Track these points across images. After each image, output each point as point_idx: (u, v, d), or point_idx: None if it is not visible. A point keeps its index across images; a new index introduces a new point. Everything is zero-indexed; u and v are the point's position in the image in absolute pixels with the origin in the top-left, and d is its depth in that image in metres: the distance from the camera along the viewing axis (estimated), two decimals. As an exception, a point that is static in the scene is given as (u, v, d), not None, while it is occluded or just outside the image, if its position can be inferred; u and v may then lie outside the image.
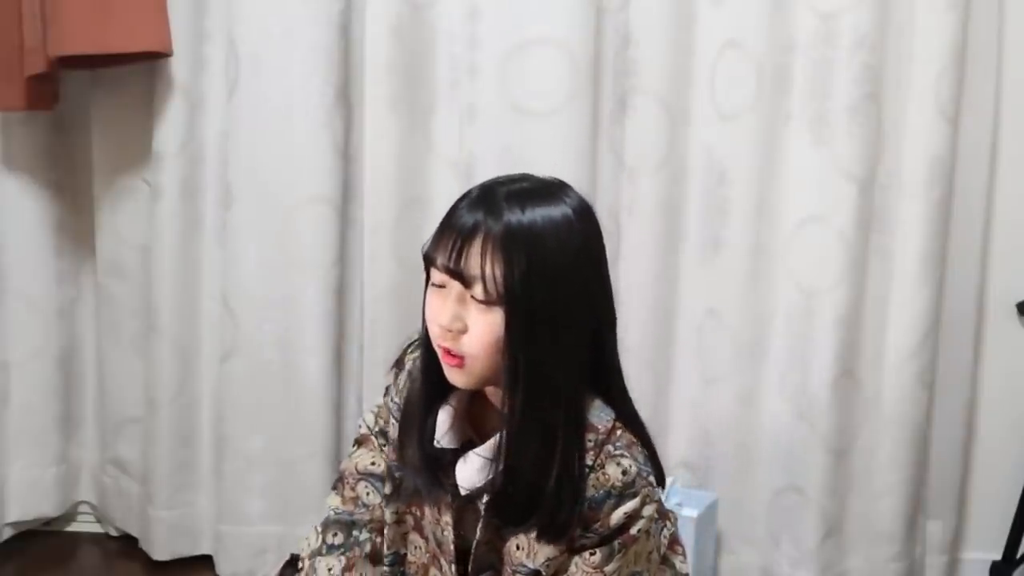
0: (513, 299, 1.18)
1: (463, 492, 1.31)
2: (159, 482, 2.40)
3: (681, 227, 2.30)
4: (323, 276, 2.28)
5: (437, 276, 1.24)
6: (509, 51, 2.22)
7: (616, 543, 1.28)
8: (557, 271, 1.20)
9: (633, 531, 1.28)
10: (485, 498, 1.30)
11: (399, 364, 1.44)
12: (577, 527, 1.26)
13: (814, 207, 2.21)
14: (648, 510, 1.28)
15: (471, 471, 1.30)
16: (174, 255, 2.33)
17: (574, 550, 1.28)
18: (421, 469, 1.34)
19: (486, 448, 1.29)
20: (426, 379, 1.32)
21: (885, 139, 2.19)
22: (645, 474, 1.28)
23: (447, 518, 1.37)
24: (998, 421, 2.39)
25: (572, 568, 1.28)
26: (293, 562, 1.76)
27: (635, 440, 1.30)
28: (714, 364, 2.32)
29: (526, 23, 2.20)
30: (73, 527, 2.62)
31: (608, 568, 1.28)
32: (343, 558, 1.45)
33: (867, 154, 2.18)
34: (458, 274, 1.20)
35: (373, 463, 1.50)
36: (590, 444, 1.26)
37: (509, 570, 1.32)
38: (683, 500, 2.24)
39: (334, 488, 1.54)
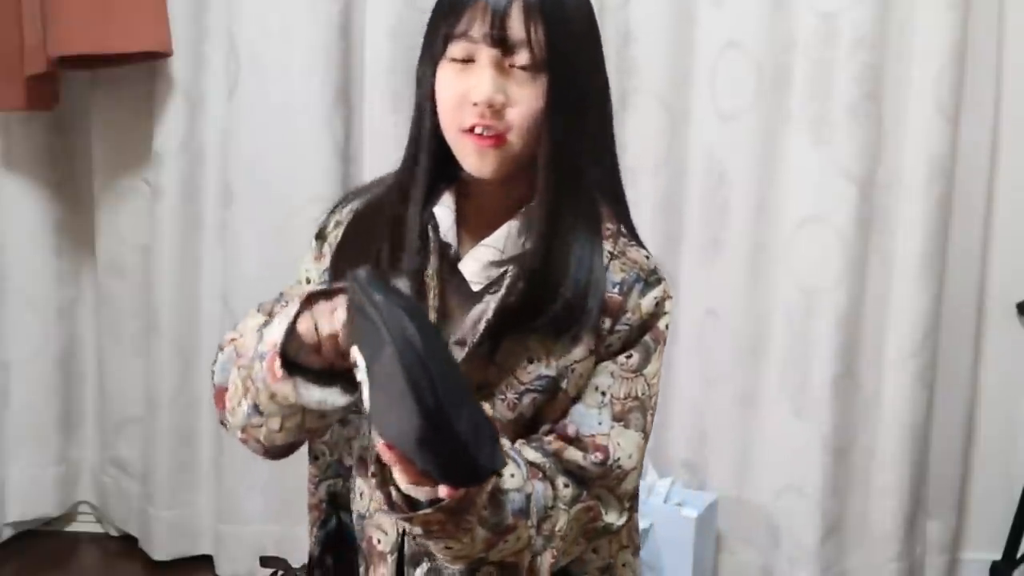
0: (557, 63, 1.11)
1: (475, 287, 1.15)
2: (159, 482, 2.40)
3: (681, 227, 2.30)
4: (323, 276, 2.28)
5: (462, 50, 1.11)
6: (509, 51, 2.22)
7: (649, 340, 1.18)
8: (585, 39, 1.15)
9: (661, 326, 1.19)
10: (495, 298, 1.14)
11: (321, 236, 1.26)
12: (607, 318, 1.16)
13: (814, 207, 2.21)
14: (669, 305, 1.20)
15: (479, 266, 1.16)
16: (174, 255, 2.33)
17: (603, 356, 1.17)
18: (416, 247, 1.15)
19: (496, 238, 1.16)
20: (423, 177, 1.16)
21: (885, 138, 2.19)
22: (660, 266, 1.22)
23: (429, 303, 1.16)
24: (998, 421, 2.39)
25: (607, 379, 1.16)
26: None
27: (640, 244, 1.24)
28: (714, 364, 2.32)
29: (526, 23, 2.20)
30: (73, 527, 2.62)
31: (648, 370, 1.18)
32: None
33: (867, 154, 2.18)
34: (502, 40, 1.10)
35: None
36: (607, 233, 1.20)
37: (512, 396, 1.15)
38: (683, 500, 2.24)
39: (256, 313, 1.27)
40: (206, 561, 2.44)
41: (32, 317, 2.45)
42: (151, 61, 2.26)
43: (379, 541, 1.21)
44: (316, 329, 1.04)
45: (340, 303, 1.03)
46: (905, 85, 2.18)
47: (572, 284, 1.14)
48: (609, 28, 2.23)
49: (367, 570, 1.24)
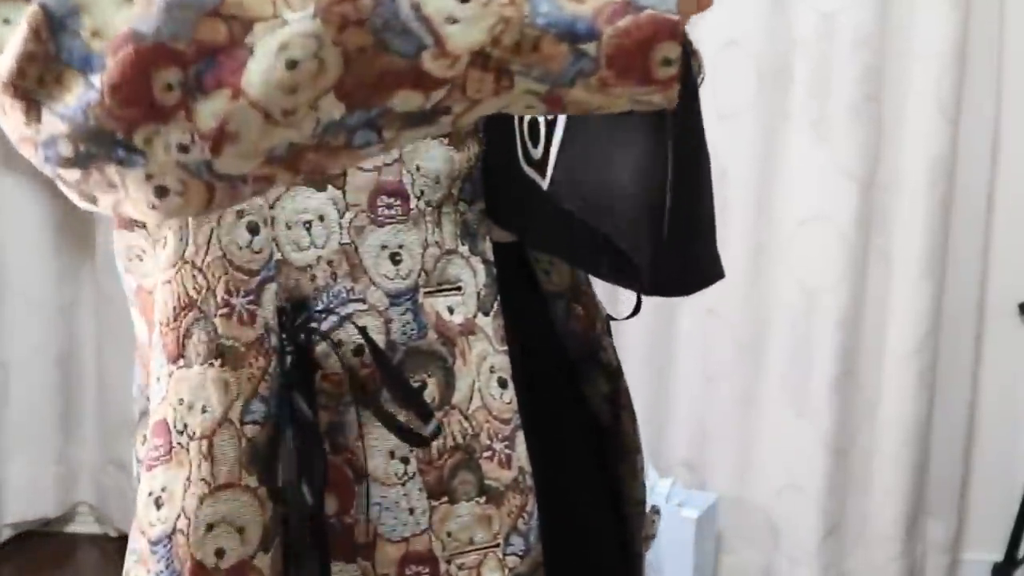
0: None
1: None
2: (159, 482, 2.39)
3: (681, 227, 2.30)
4: (323, 276, 2.28)
5: None
6: (509, 51, 2.22)
7: None
8: None
9: None
10: None
11: None
12: None
13: (814, 207, 2.21)
14: None
15: None
16: (174, 255, 2.33)
17: None
18: None
19: None
20: None
21: (885, 138, 2.19)
22: None
23: None
24: (999, 421, 2.38)
25: None
26: None
27: None
28: (714, 363, 2.32)
29: (526, 22, 2.20)
30: (72, 527, 2.62)
31: None
32: None
33: (867, 153, 2.18)
34: None
35: None
36: None
37: None
38: (683, 500, 2.24)
39: None
40: (206, 561, 2.44)
41: (32, 317, 2.45)
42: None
43: None
44: None
45: None
46: (906, 85, 2.18)
47: None
48: (609, 28, 2.23)
49: None
